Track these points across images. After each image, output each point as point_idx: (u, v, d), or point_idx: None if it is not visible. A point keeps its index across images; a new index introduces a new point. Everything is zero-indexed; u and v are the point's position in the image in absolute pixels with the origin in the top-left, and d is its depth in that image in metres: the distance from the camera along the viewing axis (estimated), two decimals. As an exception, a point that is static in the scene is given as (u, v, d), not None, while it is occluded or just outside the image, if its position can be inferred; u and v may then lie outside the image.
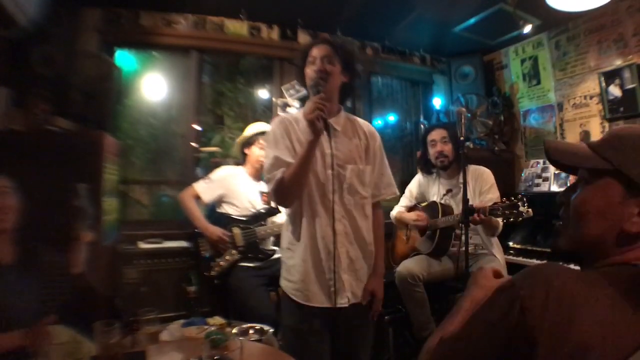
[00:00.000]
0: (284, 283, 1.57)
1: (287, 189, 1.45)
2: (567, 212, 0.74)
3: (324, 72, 1.48)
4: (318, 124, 1.35)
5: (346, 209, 1.51)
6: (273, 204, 2.67)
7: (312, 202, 1.49)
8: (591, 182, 0.71)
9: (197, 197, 2.53)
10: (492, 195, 2.34)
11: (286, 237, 1.58)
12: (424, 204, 2.60)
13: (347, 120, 1.62)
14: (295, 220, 1.53)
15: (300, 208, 1.51)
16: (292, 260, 1.53)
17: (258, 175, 2.68)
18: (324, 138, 1.47)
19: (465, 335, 0.68)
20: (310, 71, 1.51)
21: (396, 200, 2.65)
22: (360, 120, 1.67)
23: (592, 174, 0.71)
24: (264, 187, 2.68)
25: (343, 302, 1.47)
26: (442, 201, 2.46)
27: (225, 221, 2.51)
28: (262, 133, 2.63)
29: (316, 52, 1.52)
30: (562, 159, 0.78)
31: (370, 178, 1.59)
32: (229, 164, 2.89)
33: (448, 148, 2.44)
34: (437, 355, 0.71)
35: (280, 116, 1.62)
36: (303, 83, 1.57)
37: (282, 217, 2.68)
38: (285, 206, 1.61)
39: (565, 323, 0.57)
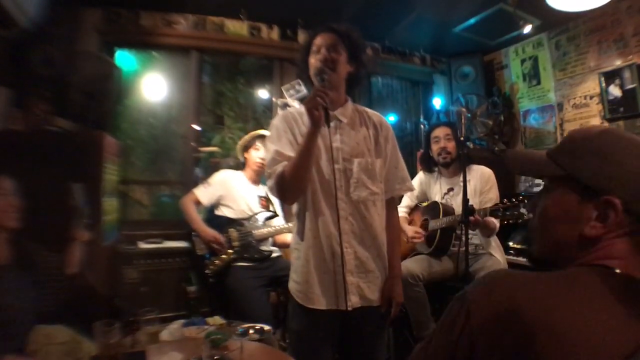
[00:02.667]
0: (290, 283, 1.48)
1: (288, 184, 1.35)
2: (535, 220, 0.74)
3: (329, 62, 1.40)
4: (316, 113, 1.25)
5: (354, 206, 1.41)
6: (272, 209, 2.68)
7: (316, 199, 1.40)
8: (550, 189, 0.71)
9: (198, 202, 2.54)
10: (492, 195, 2.34)
11: (294, 236, 1.50)
12: (424, 204, 2.60)
13: (355, 111, 1.52)
14: (300, 218, 1.45)
15: (304, 205, 1.42)
16: (298, 260, 1.45)
17: (257, 180, 2.69)
18: (328, 131, 1.38)
19: (427, 345, 0.69)
20: (314, 61, 1.42)
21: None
22: (370, 111, 1.57)
23: (551, 180, 0.71)
24: (262, 191, 2.69)
25: (348, 305, 1.36)
26: (443, 200, 2.47)
27: (223, 223, 2.52)
28: (259, 136, 2.65)
29: (320, 40, 1.43)
30: (520, 169, 0.83)
31: (381, 172, 1.48)
32: (229, 164, 2.90)
33: (451, 145, 2.44)
34: None
35: (285, 111, 1.54)
36: (307, 75, 1.47)
37: (280, 219, 2.69)
38: (287, 202, 1.55)
39: (503, 322, 0.58)
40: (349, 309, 1.35)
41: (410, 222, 2.62)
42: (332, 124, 1.39)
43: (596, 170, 0.65)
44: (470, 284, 0.67)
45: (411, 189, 1.64)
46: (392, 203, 1.57)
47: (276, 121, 1.50)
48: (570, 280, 0.61)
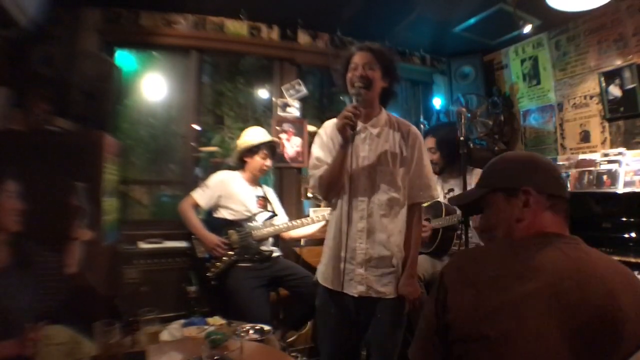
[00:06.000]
0: (318, 265, 1.76)
1: (324, 186, 1.64)
2: (485, 233, 1.08)
3: (366, 78, 1.59)
4: (344, 132, 1.50)
5: (373, 208, 1.61)
6: (269, 208, 2.69)
7: (343, 199, 1.64)
8: (484, 205, 1.02)
9: (197, 205, 2.54)
10: None
11: (328, 226, 1.77)
12: (426, 204, 2.60)
13: (387, 121, 1.70)
14: (331, 212, 1.73)
15: (335, 204, 1.69)
16: (325, 247, 1.73)
17: (255, 181, 2.68)
18: (359, 140, 1.62)
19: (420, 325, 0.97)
20: (352, 76, 1.62)
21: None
22: (401, 121, 1.75)
23: (482, 199, 1.02)
24: (260, 191, 2.69)
25: (354, 292, 1.59)
26: (445, 201, 2.47)
27: (222, 225, 2.51)
28: (266, 143, 2.63)
29: (358, 58, 1.63)
30: (461, 203, 1.22)
31: (404, 180, 1.65)
32: (228, 165, 2.89)
33: (436, 157, 2.44)
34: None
35: (329, 121, 1.75)
36: (344, 87, 1.67)
37: (280, 219, 2.69)
38: (325, 199, 1.91)
39: (462, 269, 0.93)
40: (355, 295, 1.58)
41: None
42: (362, 135, 1.64)
43: (506, 176, 0.99)
44: None
45: (434, 197, 1.76)
46: (415, 208, 1.72)
47: (321, 131, 1.76)
48: (504, 244, 0.96)
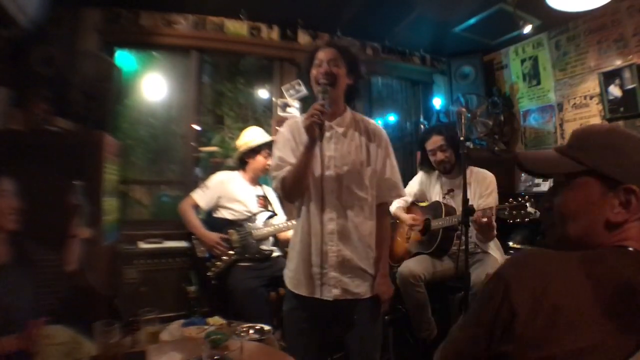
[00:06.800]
0: (285, 271, 1.68)
1: (288, 187, 1.55)
2: (552, 214, 0.81)
3: (331, 75, 1.53)
4: (312, 131, 1.42)
5: (342, 209, 1.55)
6: (270, 208, 2.68)
7: (310, 200, 1.57)
8: (569, 184, 0.78)
9: (197, 206, 2.54)
10: (491, 199, 2.33)
11: (294, 228, 1.70)
12: (424, 204, 2.60)
13: (353, 120, 1.64)
14: (298, 215, 1.64)
15: (301, 205, 1.60)
16: (292, 251, 1.65)
17: (256, 180, 2.68)
18: (324, 140, 1.52)
19: (462, 325, 0.78)
20: (316, 72, 1.56)
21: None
22: (368, 120, 1.69)
23: (569, 176, 0.78)
24: (260, 191, 2.69)
25: (329, 295, 1.52)
26: (444, 201, 2.46)
27: (222, 225, 2.51)
28: (268, 143, 2.63)
29: (322, 55, 1.57)
30: (535, 168, 0.89)
31: (372, 180, 1.60)
32: (228, 165, 2.89)
33: (448, 154, 2.43)
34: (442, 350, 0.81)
35: (291, 120, 1.70)
36: (308, 85, 1.62)
37: (279, 218, 2.69)
38: (289, 202, 1.73)
39: (540, 292, 0.66)
40: (329, 299, 1.52)
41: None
42: (327, 134, 1.55)
43: (613, 162, 0.74)
44: (503, 265, 0.75)
45: (401, 196, 1.75)
46: (383, 208, 1.69)
47: (283, 129, 1.67)
48: (597, 261, 0.70)
